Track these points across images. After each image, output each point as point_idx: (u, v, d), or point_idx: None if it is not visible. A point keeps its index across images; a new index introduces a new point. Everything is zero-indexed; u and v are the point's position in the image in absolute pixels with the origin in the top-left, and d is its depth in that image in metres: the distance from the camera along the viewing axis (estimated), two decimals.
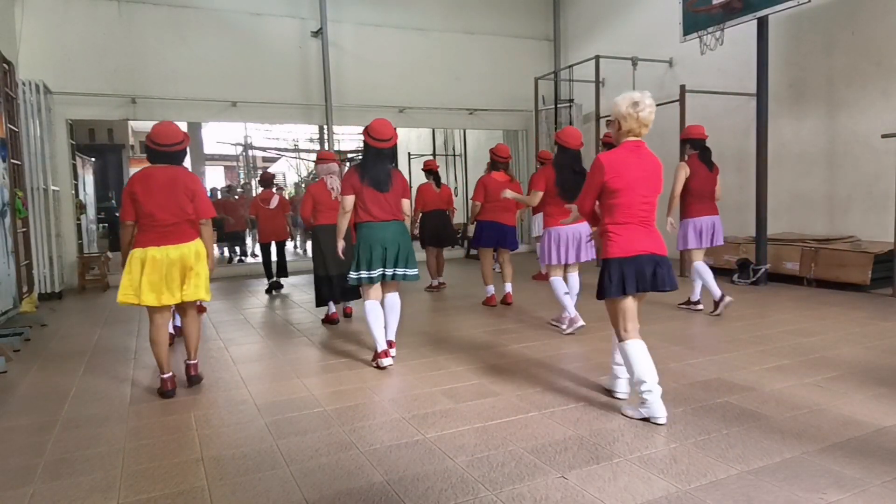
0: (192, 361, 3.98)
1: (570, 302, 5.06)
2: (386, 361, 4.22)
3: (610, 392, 3.51)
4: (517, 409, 3.34)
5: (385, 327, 4.32)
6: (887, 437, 2.81)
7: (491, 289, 6.54)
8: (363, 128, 4.27)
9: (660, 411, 3.04)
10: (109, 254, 10.86)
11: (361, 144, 4.47)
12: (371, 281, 4.18)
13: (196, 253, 3.77)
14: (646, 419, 3.09)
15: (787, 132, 7.93)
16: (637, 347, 3.14)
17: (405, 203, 4.34)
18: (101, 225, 15.60)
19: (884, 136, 6.52)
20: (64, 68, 8.64)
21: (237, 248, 12.98)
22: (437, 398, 3.56)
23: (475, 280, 8.57)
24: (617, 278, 3.09)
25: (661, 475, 2.50)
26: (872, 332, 4.83)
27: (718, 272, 7.80)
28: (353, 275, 4.21)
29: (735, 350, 4.40)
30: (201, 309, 6.03)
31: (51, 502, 2.47)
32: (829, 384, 3.59)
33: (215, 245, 6.57)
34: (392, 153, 4.39)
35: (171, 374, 3.81)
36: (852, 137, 7.25)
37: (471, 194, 7.99)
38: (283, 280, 8.39)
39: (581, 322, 5.00)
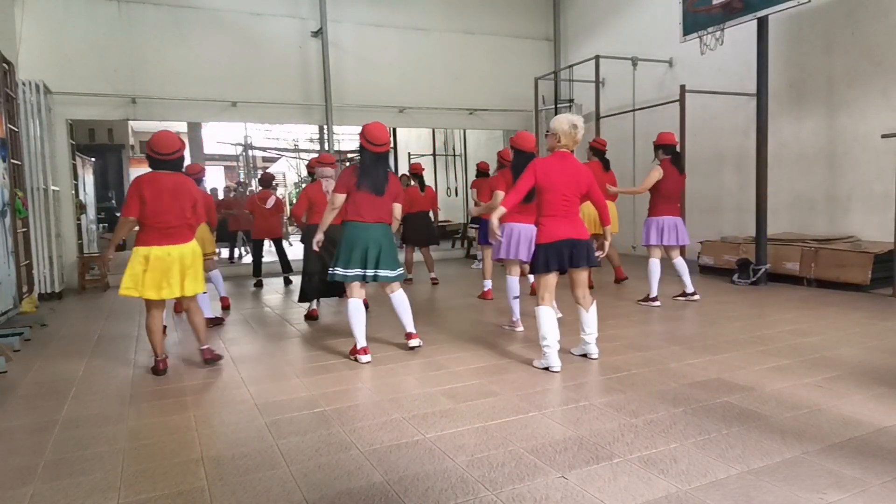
0: (204, 346, 4.42)
1: (517, 306, 5.26)
2: (365, 358, 4.36)
3: (585, 356, 4.21)
4: (517, 409, 3.34)
5: (402, 323, 4.63)
6: (887, 437, 2.81)
7: (488, 283, 6.86)
8: (360, 132, 4.37)
9: (555, 362, 3.94)
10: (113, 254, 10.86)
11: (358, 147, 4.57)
12: (346, 279, 4.34)
13: (193, 252, 4.20)
14: (546, 369, 3.96)
15: (787, 132, 7.93)
16: (548, 312, 3.97)
17: (397, 207, 4.49)
18: (101, 225, 15.60)
19: (884, 136, 6.52)
20: (64, 68, 8.64)
21: (239, 248, 12.97)
22: (437, 398, 3.56)
23: (474, 280, 8.57)
24: (543, 259, 3.94)
25: (661, 475, 2.50)
26: (872, 332, 4.83)
27: (719, 272, 7.83)
28: (336, 271, 4.37)
29: (735, 350, 4.40)
30: (218, 321, 6.10)
31: (51, 502, 2.47)
32: (829, 384, 3.59)
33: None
34: (388, 156, 4.52)
35: (164, 356, 4.29)
36: (852, 137, 7.25)
37: (471, 195, 8.11)
38: (263, 279, 8.78)
39: (521, 328, 5.23)
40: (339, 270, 4.33)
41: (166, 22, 9.29)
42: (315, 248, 4.63)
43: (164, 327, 5.36)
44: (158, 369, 4.24)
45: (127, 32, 9.06)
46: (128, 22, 9.07)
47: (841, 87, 7.34)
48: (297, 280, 8.67)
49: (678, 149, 6.22)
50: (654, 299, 6.08)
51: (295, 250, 15.22)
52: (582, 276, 4.08)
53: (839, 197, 7.45)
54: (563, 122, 3.93)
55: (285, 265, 8.75)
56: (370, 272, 4.32)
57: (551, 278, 3.99)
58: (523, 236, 5.11)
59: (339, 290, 5.86)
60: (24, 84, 7.65)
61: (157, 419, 3.40)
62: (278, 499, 2.42)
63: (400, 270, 4.45)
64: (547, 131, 4.03)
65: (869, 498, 2.27)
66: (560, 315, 5.12)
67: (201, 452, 2.89)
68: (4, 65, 6.24)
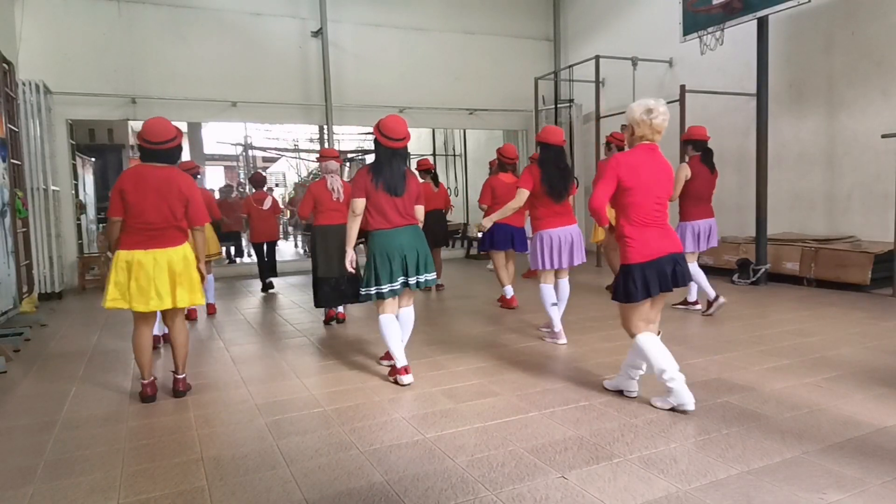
0: (180, 376, 3.79)
1: (556, 314, 4.82)
2: (407, 379, 3.85)
3: (621, 392, 3.51)
4: (517, 409, 3.34)
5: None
6: (887, 437, 2.82)
7: (509, 289, 6.37)
8: (374, 125, 3.96)
9: (687, 398, 3.16)
10: (109, 254, 10.88)
11: (372, 143, 4.11)
12: (394, 294, 3.86)
13: (184, 258, 3.65)
14: (674, 408, 3.21)
15: (787, 132, 7.93)
16: (651, 339, 3.24)
17: (419, 210, 4.02)
18: (101, 225, 15.58)
19: (884, 136, 6.52)
20: (64, 68, 8.64)
21: (233, 248, 12.98)
22: (437, 398, 3.56)
23: (474, 280, 8.58)
24: (641, 283, 3.16)
25: (661, 475, 2.50)
26: (872, 332, 4.83)
27: (718, 272, 7.82)
28: (372, 290, 3.85)
29: (735, 350, 4.40)
30: (212, 308, 6.61)
31: (51, 502, 2.47)
32: (829, 384, 3.59)
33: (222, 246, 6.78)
34: (406, 153, 4.04)
35: (151, 378, 3.70)
36: (852, 137, 7.25)
37: (471, 195, 8.05)
38: (274, 280, 8.66)
39: (564, 340, 4.77)
40: (386, 287, 3.81)
41: (166, 22, 9.29)
42: (350, 268, 4.01)
43: (158, 337, 4.95)
44: (146, 394, 3.66)
45: (127, 32, 9.06)
46: (128, 22, 9.06)
47: (841, 87, 7.34)
48: (278, 282, 8.80)
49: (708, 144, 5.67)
50: (717, 298, 5.54)
51: (286, 252, 15.27)
52: (664, 298, 3.36)
53: (839, 197, 7.45)
54: (635, 109, 3.21)
55: (271, 268, 8.73)
56: (413, 279, 3.89)
57: (647, 306, 3.25)
58: (564, 241, 4.68)
59: (352, 297, 5.54)
60: (24, 84, 7.66)
61: (156, 419, 3.40)
62: (278, 499, 2.42)
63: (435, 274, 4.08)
64: (623, 126, 3.47)
65: (869, 498, 2.27)
66: (565, 341, 4.76)
67: (201, 452, 2.89)
68: (4, 65, 6.24)
